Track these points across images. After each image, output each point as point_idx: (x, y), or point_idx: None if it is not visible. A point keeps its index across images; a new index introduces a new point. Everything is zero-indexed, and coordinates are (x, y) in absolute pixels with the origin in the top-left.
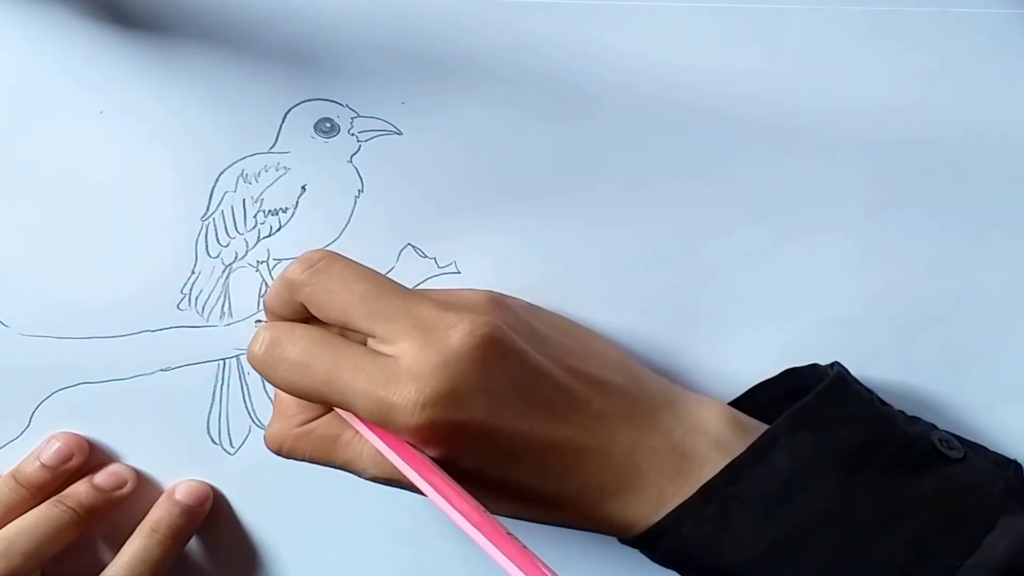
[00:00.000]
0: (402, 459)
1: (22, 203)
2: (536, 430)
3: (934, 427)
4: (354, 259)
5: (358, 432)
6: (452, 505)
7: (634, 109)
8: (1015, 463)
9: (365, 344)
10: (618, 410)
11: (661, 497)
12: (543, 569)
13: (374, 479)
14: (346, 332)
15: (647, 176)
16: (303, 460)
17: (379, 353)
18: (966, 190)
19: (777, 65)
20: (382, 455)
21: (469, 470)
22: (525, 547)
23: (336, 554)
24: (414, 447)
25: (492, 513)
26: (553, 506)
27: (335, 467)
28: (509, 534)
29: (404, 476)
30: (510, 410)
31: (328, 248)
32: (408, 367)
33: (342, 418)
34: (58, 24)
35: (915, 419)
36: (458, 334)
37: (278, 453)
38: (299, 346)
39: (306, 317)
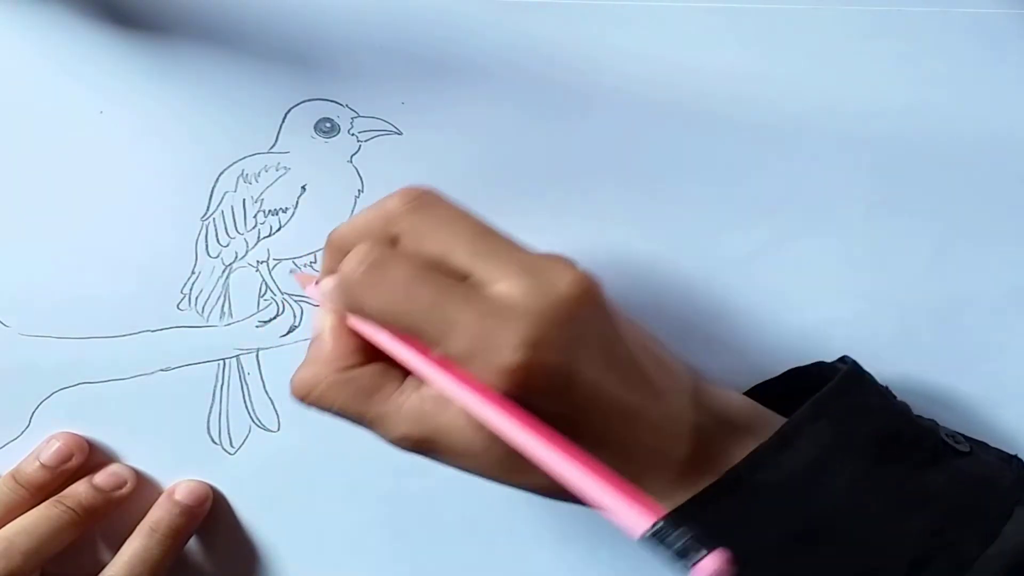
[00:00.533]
0: (485, 400)
1: (22, 203)
2: (610, 390)
3: (937, 424)
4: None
5: (401, 388)
6: (546, 444)
7: (635, 109)
8: (1017, 458)
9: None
10: (670, 387)
11: (688, 477)
12: (653, 503)
13: (402, 439)
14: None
15: (647, 176)
16: (331, 410)
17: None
18: (966, 190)
19: (777, 65)
20: (423, 411)
21: (540, 416)
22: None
23: (336, 554)
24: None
25: None
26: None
27: (362, 422)
28: (610, 470)
29: (440, 436)
30: (597, 364)
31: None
32: (517, 304)
33: (384, 370)
34: (58, 24)
35: (918, 417)
36: (567, 280)
37: (304, 399)
38: (405, 269)
39: None
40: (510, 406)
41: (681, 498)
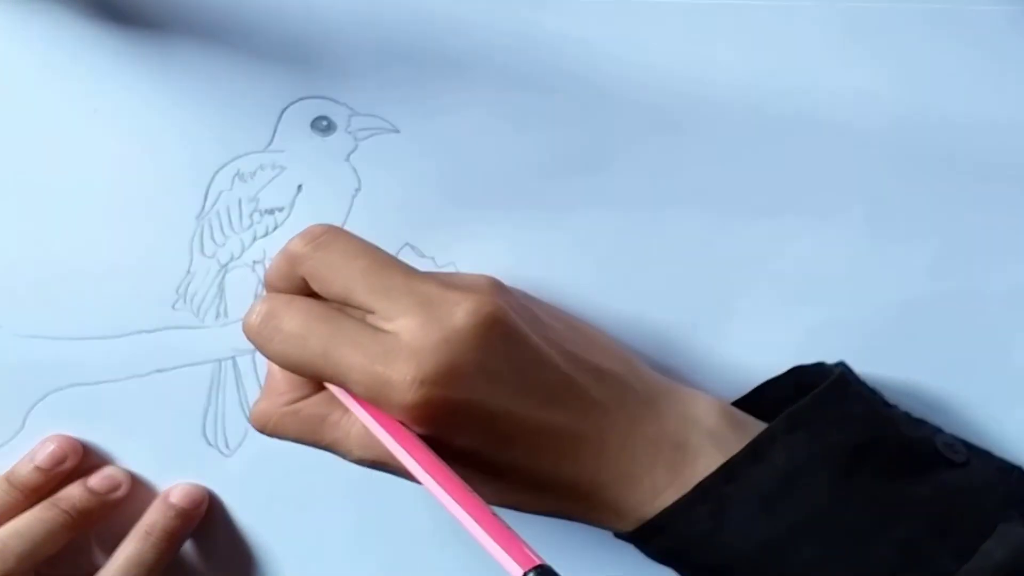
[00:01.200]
0: (392, 437)
1: (15, 203)
2: (533, 414)
3: (939, 430)
4: (358, 235)
5: (346, 412)
6: (439, 484)
7: (634, 108)
8: (1019, 469)
9: (364, 321)
10: (615, 399)
11: (654, 488)
12: (527, 551)
13: (359, 461)
14: (346, 308)
15: (648, 176)
16: (288, 439)
17: (378, 329)
18: (966, 190)
19: (777, 65)
20: (369, 436)
21: (461, 451)
22: (511, 529)
23: (333, 556)
24: (404, 426)
25: (480, 497)
26: (545, 492)
27: (320, 448)
28: (495, 516)
29: (390, 459)
30: (508, 392)
31: None
32: (408, 343)
33: (330, 398)
34: (52, 23)
35: (921, 421)
36: (462, 312)
37: (262, 431)
38: (296, 318)
39: (306, 292)
40: (414, 443)
41: (648, 509)
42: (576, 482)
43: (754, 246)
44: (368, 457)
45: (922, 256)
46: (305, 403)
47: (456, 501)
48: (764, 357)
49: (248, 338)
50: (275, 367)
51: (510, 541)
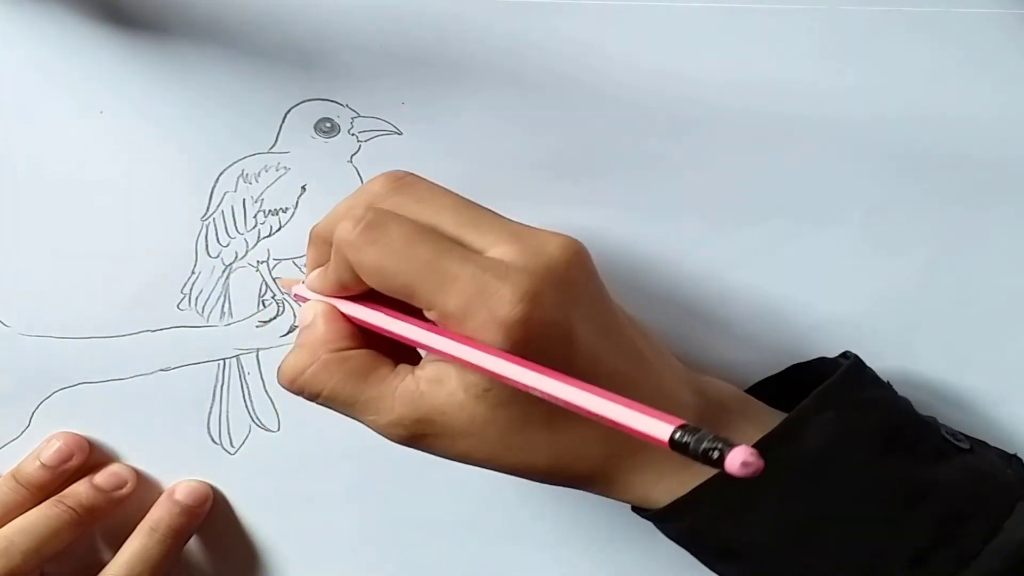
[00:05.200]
0: (480, 351)
1: (22, 203)
2: (604, 356)
3: (937, 422)
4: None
5: (394, 369)
6: (563, 383)
7: (635, 109)
8: (1016, 457)
9: None
10: (663, 364)
11: (688, 466)
12: (666, 415)
13: (396, 425)
14: None
15: (648, 176)
16: (319, 393)
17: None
18: (966, 189)
19: (777, 65)
20: (416, 394)
21: None
22: (641, 403)
23: (336, 554)
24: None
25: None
26: (589, 455)
27: (352, 406)
28: (623, 396)
29: (437, 415)
30: (590, 329)
31: None
32: (514, 262)
33: (377, 356)
34: (58, 24)
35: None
36: (556, 244)
37: (292, 384)
38: (404, 227)
39: None
40: (515, 358)
41: (679, 487)
42: (619, 453)
43: (752, 246)
44: (411, 415)
45: (918, 256)
46: (353, 352)
47: (586, 392)
48: (761, 356)
49: (339, 247)
50: (319, 319)
51: (647, 411)
